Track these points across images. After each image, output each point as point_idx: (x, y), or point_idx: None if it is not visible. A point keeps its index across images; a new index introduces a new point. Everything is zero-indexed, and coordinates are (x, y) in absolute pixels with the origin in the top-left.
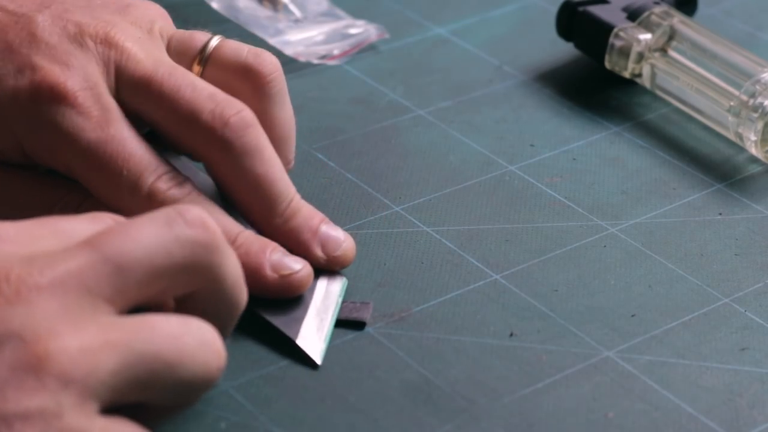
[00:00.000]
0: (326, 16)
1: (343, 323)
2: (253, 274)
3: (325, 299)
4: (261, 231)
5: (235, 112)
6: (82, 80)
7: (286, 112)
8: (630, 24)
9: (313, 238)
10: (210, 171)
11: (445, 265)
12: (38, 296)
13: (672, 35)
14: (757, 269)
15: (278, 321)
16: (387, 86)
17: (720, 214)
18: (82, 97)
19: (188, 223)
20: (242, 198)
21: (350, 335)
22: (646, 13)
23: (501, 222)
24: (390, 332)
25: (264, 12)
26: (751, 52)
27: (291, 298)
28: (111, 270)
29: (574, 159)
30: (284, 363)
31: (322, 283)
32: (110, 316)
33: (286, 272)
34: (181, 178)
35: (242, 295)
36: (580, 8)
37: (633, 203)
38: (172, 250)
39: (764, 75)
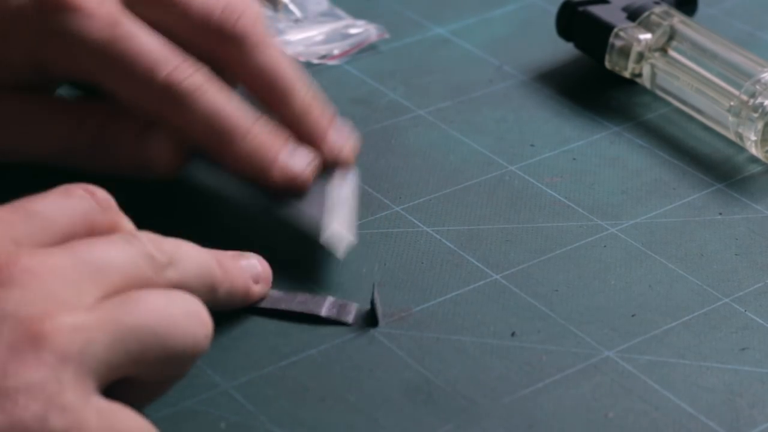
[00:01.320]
0: (326, 16)
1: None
2: (260, 169)
3: (340, 195)
4: (283, 121)
5: (243, 9)
6: None
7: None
8: (630, 24)
9: (328, 129)
10: (224, 70)
11: (445, 265)
12: (30, 279)
13: (672, 35)
14: (757, 269)
15: (304, 217)
16: (387, 86)
17: (720, 214)
18: (87, 0)
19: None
20: (260, 89)
21: (350, 335)
22: (646, 13)
23: (501, 222)
24: (390, 332)
25: (264, 12)
26: (751, 52)
27: (308, 200)
28: (90, 270)
29: (574, 159)
30: (284, 363)
31: (336, 180)
32: (96, 297)
33: (292, 174)
34: (197, 65)
35: (215, 280)
36: (580, 8)
37: (633, 203)
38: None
39: (764, 75)
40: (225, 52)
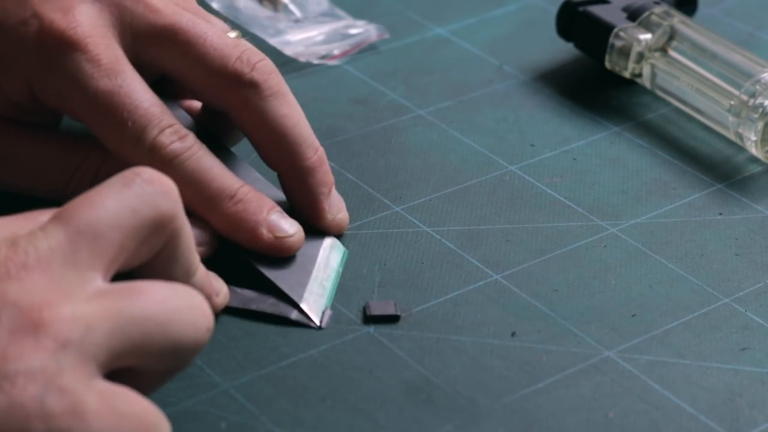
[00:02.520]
0: (326, 16)
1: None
2: (249, 230)
3: (326, 268)
4: (284, 178)
5: (261, 58)
6: (91, 28)
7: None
8: (630, 24)
9: (328, 195)
10: (235, 118)
11: (445, 265)
12: (28, 274)
13: (672, 35)
14: (757, 269)
15: (284, 285)
16: (387, 86)
17: (720, 214)
18: (92, 44)
19: (145, 180)
20: (268, 140)
21: (350, 335)
22: (646, 13)
23: (501, 222)
24: (390, 332)
25: (264, 12)
26: (751, 52)
27: (294, 265)
28: (87, 239)
29: (574, 159)
30: (284, 363)
31: (324, 251)
32: (98, 284)
33: (281, 235)
34: (183, 132)
35: (195, 259)
36: (580, 8)
37: (633, 203)
38: (136, 207)
39: (764, 75)
40: (238, 99)
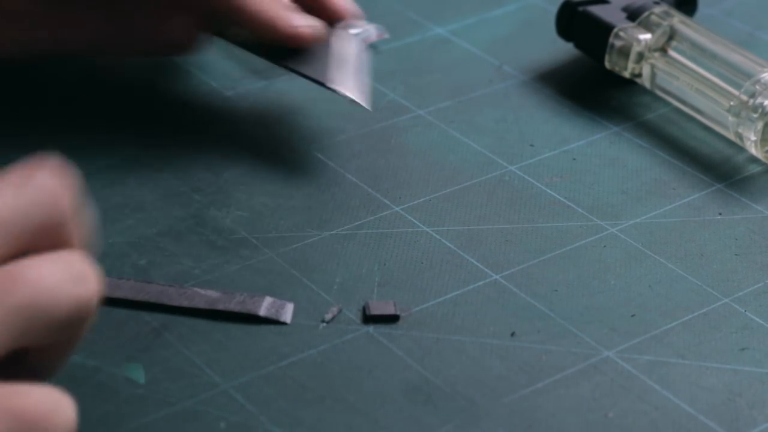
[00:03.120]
0: None
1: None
2: (270, 19)
3: (359, 54)
4: None
5: None
6: None
7: None
8: (630, 24)
9: None
10: None
11: (445, 265)
12: None
13: (672, 35)
14: (757, 269)
15: (321, 77)
16: (387, 86)
17: (720, 214)
18: None
19: (39, 186)
20: None
21: (350, 335)
22: (646, 13)
23: (501, 222)
24: (390, 332)
25: None
26: (751, 52)
27: (330, 63)
28: None
29: (574, 159)
30: (284, 363)
31: (356, 50)
32: None
33: (300, 26)
34: None
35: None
36: (580, 8)
37: (633, 203)
38: (27, 210)
39: (764, 75)
40: None
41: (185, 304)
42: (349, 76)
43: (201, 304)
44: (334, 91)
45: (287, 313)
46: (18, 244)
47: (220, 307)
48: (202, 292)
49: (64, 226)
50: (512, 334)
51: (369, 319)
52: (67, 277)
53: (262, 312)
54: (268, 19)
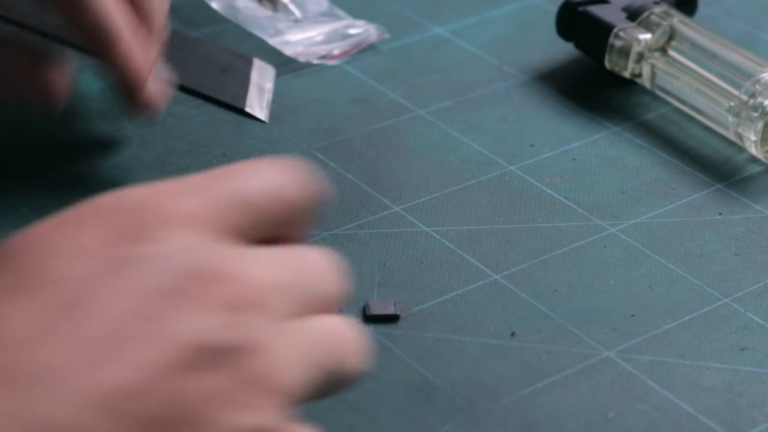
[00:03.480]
0: (326, 16)
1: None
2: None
3: (261, 77)
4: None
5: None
6: None
7: None
8: (630, 24)
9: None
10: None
11: (445, 265)
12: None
13: (672, 35)
14: (757, 269)
15: (226, 98)
16: (387, 86)
17: (720, 214)
18: None
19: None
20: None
21: None
22: (646, 13)
23: (501, 222)
24: (390, 332)
25: (264, 12)
26: (751, 52)
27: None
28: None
29: (574, 159)
30: None
31: (255, 69)
32: (297, 321)
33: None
34: None
35: None
36: (580, 8)
37: (633, 203)
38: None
39: (764, 75)
40: None
41: None
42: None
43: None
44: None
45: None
46: (267, 229)
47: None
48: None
49: (304, 216)
50: (512, 334)
51: (369, 319)
52: (360, 345)
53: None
54: (133, 68)
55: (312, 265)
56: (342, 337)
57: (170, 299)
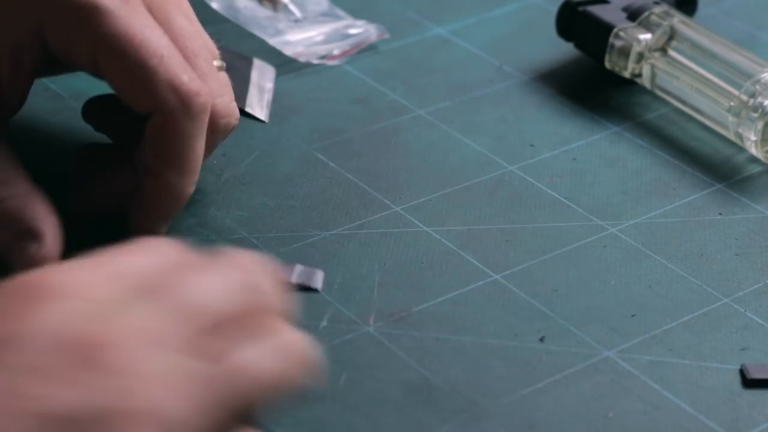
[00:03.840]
0: (326, 16)
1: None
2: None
3: (261, 77)
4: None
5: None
6: None
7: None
8: (630, 24)
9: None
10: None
11: (445, 265)
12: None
13: (672, 35)
14: (757, 269)
15: None
16: (387, 86)
17: (720, 214)
18: None
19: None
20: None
21: (350, 335)
22: (646, 13)
23: (501, 222)
24: (390, 332)
25: (264, 12)
26: (751, 52)
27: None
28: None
29: (574, 159)
30: None
31: (255, 69)
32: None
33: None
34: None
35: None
36: (580, 8)
37: (633, 203)
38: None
39: (764, 75)
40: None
41: None
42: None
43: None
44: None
45: (318, 281)
46: (227, 326)
47: None
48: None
49: (269, 308)
50: (541, 339)
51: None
52: (286, 367)
53: (294, 279)
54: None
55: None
56: (255, 368)
57: (37, 374)
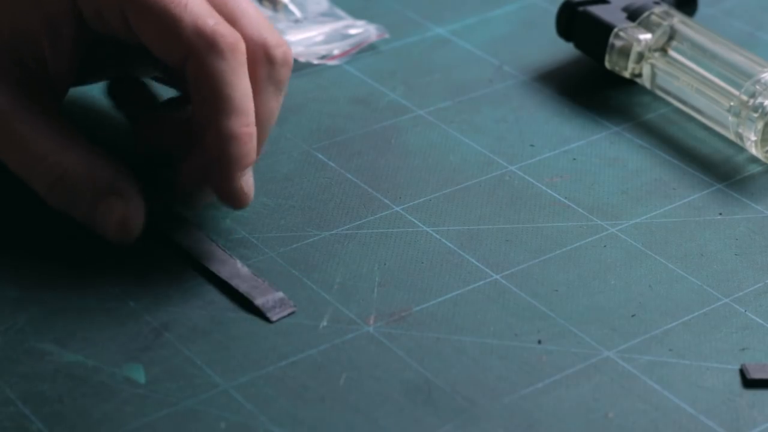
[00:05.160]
0: (326, 16)
1: None
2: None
3: None
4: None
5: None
6: None
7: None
8: (630, 24)
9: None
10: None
11: (445, 265)
12: None
13: (672, 35)
14: (757, 269)
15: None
16: (387, 86)
17: (720, 214)
18: None
19: None
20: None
21: (350, 335)
22: (646, 13)
23: (501, 222)
24: (390, 332)
25: (264, 12)
26: (751, 52)
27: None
28: None
29: (574, 159)
30: (284, 363)
31: None
32: None
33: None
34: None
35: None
36: (580, 8)
37: (633, 203)
38: None
39: (764, 75)
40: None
41: (215, 267)
42: None
43: (224, 273)
44: None
45: (277, 314)
46: None
47: (233, 282)
48: (238, 264)
49: None
50: (539, 342)
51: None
52: None
53: (258, 302)
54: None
55: None
56: None
57: None
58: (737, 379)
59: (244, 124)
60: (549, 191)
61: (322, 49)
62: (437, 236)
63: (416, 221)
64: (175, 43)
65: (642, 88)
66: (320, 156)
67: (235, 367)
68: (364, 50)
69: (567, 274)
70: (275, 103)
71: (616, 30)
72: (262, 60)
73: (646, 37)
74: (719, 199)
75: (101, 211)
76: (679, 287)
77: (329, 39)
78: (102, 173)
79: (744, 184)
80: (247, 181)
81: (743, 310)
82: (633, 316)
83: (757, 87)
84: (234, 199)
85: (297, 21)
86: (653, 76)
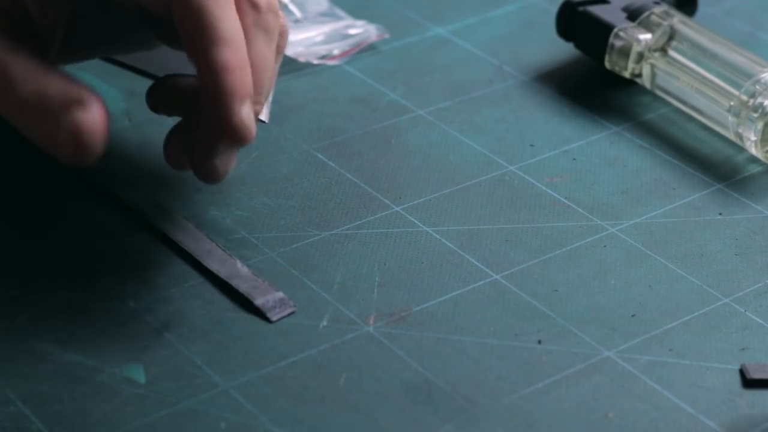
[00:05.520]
0: (326, 16)
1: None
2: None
3: None
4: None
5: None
6: None
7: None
8: (630, 24)
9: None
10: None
11: (445, 265)
12: None
13: (672, 35)
14: (757, 269)
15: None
16: (387, 86)
17: (720, 214)
18: None
19: None
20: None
21: (350, 335)
22: (646, 13)
23: (501, 222)
24: (390, 332)
25: None
26: (751, 52)
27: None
28: None
29: (574, 159)
30: (284, 363)
31: None
32: None
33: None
34: None
35: None
36: (580, 8)
37: (633, 203)
38: None
39: (764, 75)
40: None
41: (215, 267)
42: None
43: (224, 273)
44: None
45: (277, 314)
46: None
47: (234, 282)
48: (238, 264)
49: None
50: (539, 342)
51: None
52: None
53: (258, 302)
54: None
55: None
56: None
57: None
58: (737, 379)
59: (234, 51)
60: (549, 191)
61: (322, 49)
62: (437, 236)
63: (416, 221)
64: None
65: (642, 88)
66: (320, 156)
67: (235, 367)
68: (364, 50)
69: (567, 274)
70: (268, 51)
71: (616, 30)
72: (247, 7)
73: (646, 37)
74: (719, 199)
75: (62, 123)
76: (679, 287)
77: (329, 39)
78: (68, 86)
79: (744, 184)
80: (249, 114)
81: (743, 310)
82: (633, 316)
83: (757, 87)
84: (236, 132)
85: (297, 21)
86: (653, 76)
